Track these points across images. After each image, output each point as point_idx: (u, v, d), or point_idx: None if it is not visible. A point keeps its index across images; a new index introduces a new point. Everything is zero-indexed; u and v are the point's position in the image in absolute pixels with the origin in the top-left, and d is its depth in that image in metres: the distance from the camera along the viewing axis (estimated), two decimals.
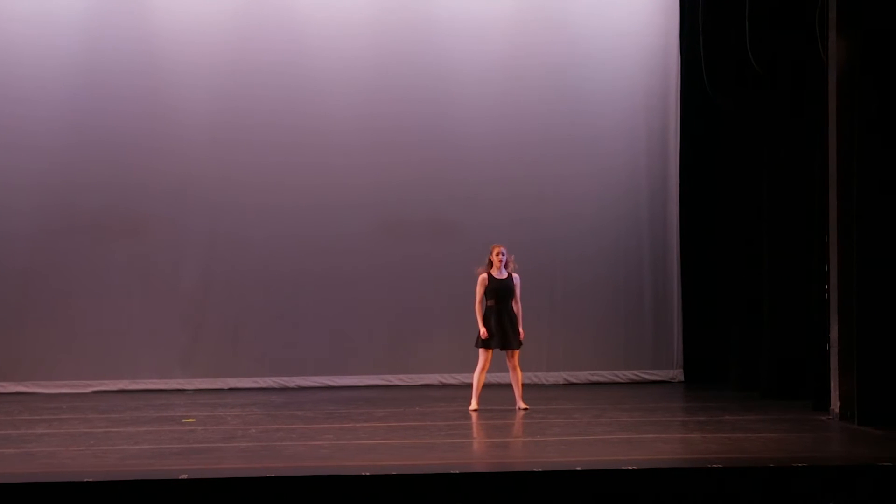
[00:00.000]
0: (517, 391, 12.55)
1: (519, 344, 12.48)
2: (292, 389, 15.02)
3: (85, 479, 8.19)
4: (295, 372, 15.29)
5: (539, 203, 15.66)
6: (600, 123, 15.79)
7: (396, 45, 15.60)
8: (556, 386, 15.33)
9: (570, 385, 15.40)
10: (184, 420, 11.96)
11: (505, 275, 12.51)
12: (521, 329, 12.49)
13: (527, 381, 15.20)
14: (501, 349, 12.45)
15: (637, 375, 15.65)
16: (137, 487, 8.14)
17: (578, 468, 8.50)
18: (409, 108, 15.60)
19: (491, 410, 12.45)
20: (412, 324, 15.49)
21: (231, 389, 14.96)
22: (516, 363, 12.53)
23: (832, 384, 11.43)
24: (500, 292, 12.43)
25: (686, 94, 15.72)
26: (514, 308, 12.48)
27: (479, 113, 15.65)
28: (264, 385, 15.09)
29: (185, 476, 8.33)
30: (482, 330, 12.35)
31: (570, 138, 15.71)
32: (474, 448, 9.95)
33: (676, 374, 15.71)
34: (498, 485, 8.30)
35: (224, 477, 8.53)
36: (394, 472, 8.42)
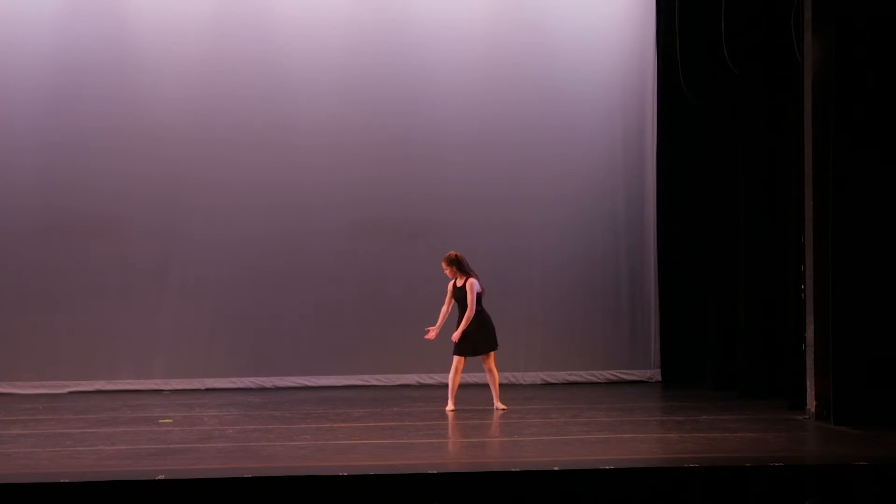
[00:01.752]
0: (494, 392, 12.56)
1: (485, 348, 12.45)
2: (270, 390, 15.00)
3: (62, 480, 8.17)
4: (272, 372, 15.26)
5: (515, 203, 15.67)
6: (577, 124, 15.81)
7: (373, 45, 15.59)
8: (533, 386, 15.34)
9: (547, 385, 15.42)
10: (161, 420, 11.94)
11: (460, 283, 12.49)
12: (458, 331, 12.45)
13: (504, 381, 15.21)
14: (473, 355, 12.45)
15: (614, 375, 15.68)
16: (114, 488, 8.13)
17: (556, 468, 8.52)
18: (386, 107, 15.59)
19: (469, 411, 12.47)
20: (390, 323, 15.47)
21: (208, 390, 14.93)
22: (492, 365, 12.53)
23: (808, 384, 11.49)
24: (458, 301, 12.47)
25: (663, 94, 15.75)
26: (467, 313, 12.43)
27: (456, 113, 15.65)
28: (241, 385, 15.06)
29: (162, 476, 8.32)
30: (455, 335, 12.37)
31: (547, 139, 15.72)
32: (452, 448, 9.96)
33: (654, 373, 15.74)
34: (475, 485, 8.31)
35: (201, 477, 8.52)
36: (372, 473, 8.42)
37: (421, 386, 15.24)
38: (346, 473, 8.36)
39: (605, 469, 8.52)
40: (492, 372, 12.55)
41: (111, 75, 15.23)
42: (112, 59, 15.24)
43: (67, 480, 8.17)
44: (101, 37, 15.23)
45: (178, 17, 15.35)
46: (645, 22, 15.86)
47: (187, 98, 15.35)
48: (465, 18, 15.71)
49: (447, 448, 9.93)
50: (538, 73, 15.76)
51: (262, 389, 15.03)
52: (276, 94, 15.44)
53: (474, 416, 12.10)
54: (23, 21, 15.11)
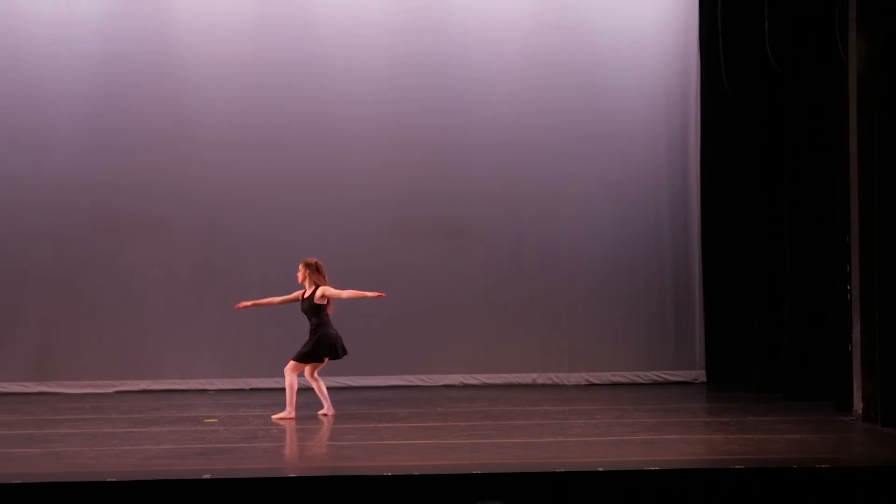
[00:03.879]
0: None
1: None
2: (313, 390, 15.02)
3: (108, 479, 8.23)
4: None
5: (558, 202, 15.65)
6: (619, 123, 15.76)
7: (414, 46, 15.61)
8: (577, 387, 15.30)
9: (591, 386, 15.38)
10: (206, 420, 12.00)
11: (307, 293, 12.37)
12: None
13: (547, 382, 15.32)
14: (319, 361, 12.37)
15: (659, 376, 15.62)
16: (160, 487, 8.18)
17: (600, 469, 8.50)
18: (426, 107, 15.60)
19: (512, 412, 12.45)
20: (433, 324, 15.49)
21: (253, 390, 14.99)
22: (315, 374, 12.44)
23: (855, 385, 11.40)
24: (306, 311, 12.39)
25: (706, 93, 15.69)
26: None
27: (497, 112, 15.64)
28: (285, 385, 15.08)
29: (207, 476, 8.36)
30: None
31: (590, 138, 15.69)
32: (495, 449, 9.95)
33: (698, 374, 15.67)
34: (520, 485, 8.30)
35: (246, 477, 8.56)
36: (416, 473, 8.43)
37: (464, 386, 15.23)
38: (390, 473, 8.37)
39: (650, 470, 8.49)
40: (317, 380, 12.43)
41: (155, 77, 15.33)
42: (156, 60, 15.34)
43: (114, 479, 8.23)
44: (145, 38, 15.33)
45: (221, 19, 15.44)
46: (688, 21, 15.80)
47: (230, 99, 15.43)
48: (507, 19, 15.70)
49: (491, 448, 9.92)
50: (580, 73, 15.73)
51: (306, 389, 15.06)
52: (318, 95, 15.49)
53: (518, 416, 12.08)
54: (67, 22, 15.23)
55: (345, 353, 12.28)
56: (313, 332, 12.21)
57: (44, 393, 14.86)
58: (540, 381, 15.46)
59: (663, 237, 15.81)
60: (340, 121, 15.51)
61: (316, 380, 12.34)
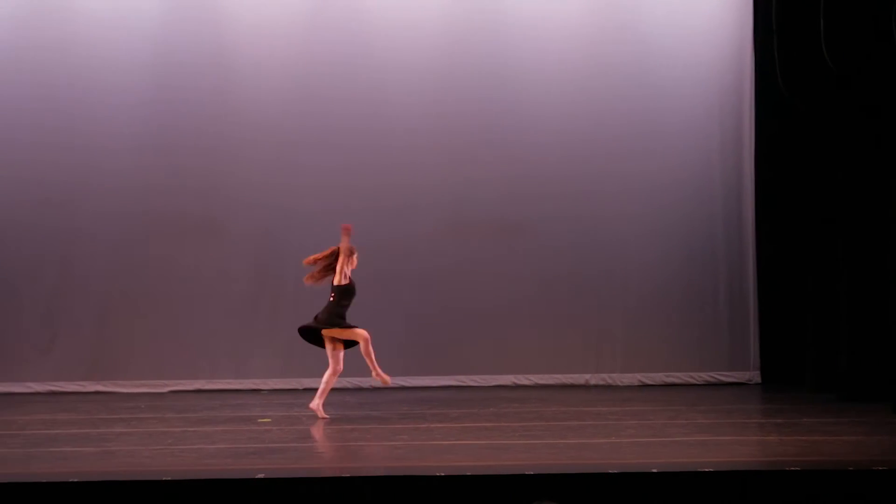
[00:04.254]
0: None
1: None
2: (366, 390, 15.08)
3: (163, 478, 8.29)
4: (369, 373, 15.31)
5: (611, 201, 15.58)
6: (673, 123, 15.67)
7: (468, 46, 15.59)
8: (630, 387, 15.24)
9: (644, 386, 15.31)
10: (259, 420, 12.06)
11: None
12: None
13: (601, 383, 15.26)
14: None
15: (713, 377, 15.52)
16: (215, 486, 8.23)
17: (654, 470, 8.46)
18: (481, 107, 15.57)
19: (566, 412, 12.43)
20: (485, 324, 15.46)
21: (306, 389, 15.02)
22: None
23: None
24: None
25: (760, 93, 15.57)
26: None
27: (550, 111, 15.59)
28: (338, 385, 15.06)
29: (261, 475, 8.40)
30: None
31: (643, 138, 15.61)
32: (548, 449, 9.93)
33: (753, 375, 15.55)
34: (573, 486, 8.28)
35: (300, 476, 8.59)
36: (469, 473, 8.43)
37: (517, 387, 15.21)
38: (443, 474, 8.38)
39: (704, 472, 8.45)
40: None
41: (209, 78, 15.40)
42: (209, 62, 15.40)
43: (169, 478, 8.29)
44: (199, 40, 15.41)
45: (275, 21, 15.47)
46: (742, 20, 15.68)
47: (283, 101, 15.47)
48: (560, 19, 15.64)
49: (544, 449, 9.91)
50: (633, 73, 15.65)
51: (359, 389, 15.11)
52: (372, 96, 15.51)
53: (571, 417, 12.06)
54: (122, 25, 15.31)
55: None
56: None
57: (99, 392, 14.99)
58: (593, 381, 15.41)
59: (717, 237, 15.70)
60: (394, 121, 15.52)
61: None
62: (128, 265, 15.31)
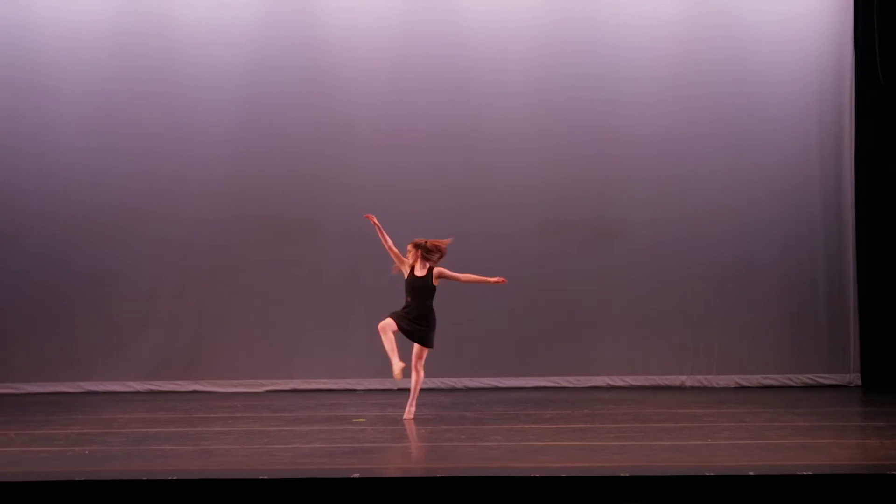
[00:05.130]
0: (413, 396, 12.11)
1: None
2: (460, 390, 15.11)
3: (260, 477, 8.36)
4: (463, 373, 15.38)
5: (706, 201, 15.46)
6: (770, 121, 15.51)
7: (560, 46, 15.56)
8: (727, 389, 15.10)
9: (741, 388, 15.16)
10: (354, 420, 12.12)
11: (421, 272, 12.05)
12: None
13: (696, 385, 15.12)
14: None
15: (811, 379, 15.32)
16: (311, 485, 8.28)
17: (751, 473, 8.36)
18: (573, 108, 15.53)
19: (661, 413, 12.34)
20: (580, 325, 15.43)
21: (400, 390, 15.07)
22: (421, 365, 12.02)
23: None
24: (416, 290, 11.98)
25: (861, 90, 15.34)
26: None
27: (644, 110, 15.51)
28: (433, 386, 15.17)
29: (356, 475, 8.44)
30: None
31: (739, 136, 15.47)
32: (643, 451, 9.86)
33: (853, 378, 15.32)
34: (669, 488, 8.21)
35: (394, 476, 8.62)
36: (563, 475, 8.40)
37: (611, 388, 15.14)
38: (537, 475, 8.36)
39: (803, 475, 8.33)
40: (419, 372, 12.07)
41: (303, 83, 15.54)
42: (304, 66, 15.54)
43: (265, 477, 8.36)
44: (294, 45, 15.55)
45: (368, 23, 15.55)
46: (842, 16, 15.45)
47: (378, 104, 15.55)
48: (656, 16, 15.55)
49: (639, 451, 9.84)
50: (729, 69, 15.52)
51: (453, 390, 15.14)
52: (464, 97, 15.53)
53: (666, 419, 11.97)
54: (216, 29, 15.50)
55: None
56: (427, 313, 11.96)
57: (197, 391, 15.20)
58: (688, 383, 15.29)
59: (816, 236, 15.49)
60: (485, 122, 15.54)
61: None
62: (225, 267, 15.50)
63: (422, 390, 14.18)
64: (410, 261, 12.15)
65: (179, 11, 15.56)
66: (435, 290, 12.02)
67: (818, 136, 15.53)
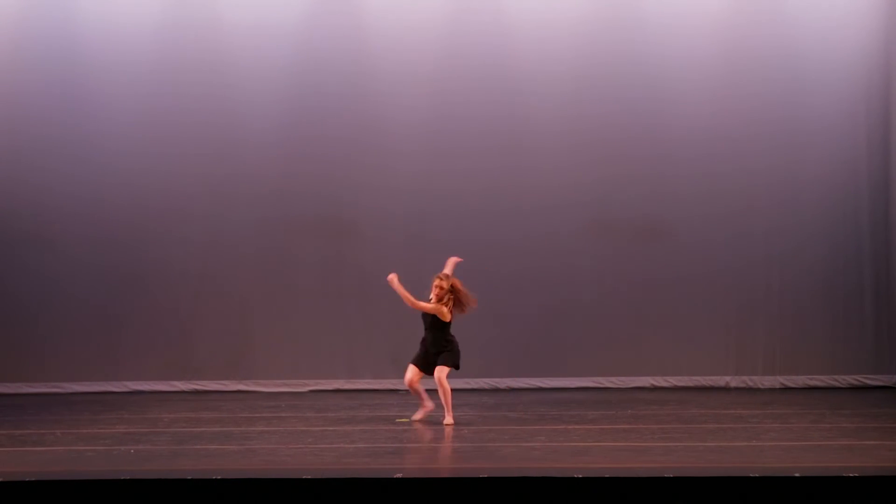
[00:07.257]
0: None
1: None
2: (503, 391, 15.09)
3: (304, 476, 8.39)
4: (507, 373, 15.36)
5: (752, 201, 15.37)
6: (818, 117, 15.38)
7: (607, 45, 15.49)
8: (772, 390, 15.01)
9: (786, 389, 15.06)
10: (397, 420, 12.14)
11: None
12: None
13: (741, 386, 15.07)
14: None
15: (857, 380, 15.19)
16: (354, 485, 8.30)
17: (797, 474, 8.31)
18: (619, 107, 15.46)
19: (706, 415, 12.28)
20: (624, 325, 15.37)
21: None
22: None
23: None
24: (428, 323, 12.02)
25: None
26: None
27: (690, 110, 15.43)
28: (476, 386, 15.17)
29: (399, 475, 8.45)
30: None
31: (785, 135, 15.37)
32: (688, 452, 9.82)
33: None
34: (714, 489, 8.17)
35: (438, 477, 8.63)
36: (607, 475, 8.38)
37: (655, 388, 15.08)
38: (580, 475, 8.34)
39: (849, 476, 8.26)
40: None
41: (347, 86, 15.51)
42: (347, 68, 15.51)
43: (309, 476, 8.39)
44: (338, 47, 15.55)
45: (412, 26, 15.53)
46: (890, 13, 15.32)
47: (424, 108, 15.53)
48: (703, 13, 15.45)
49: (683, 452, 9.80)
50: (776, 68, 15.41)
51: (496, 390, 15.13)
52: (509, 98, 15.50)
53: (710, 420, 11.91)
54: (265, 28, 15.54)
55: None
56: (440, 341, 11.95)
57: (241, 391, 15.25)
58: (733, 384, 15.21)
59: (863, 236, 15.36)
60: (530, 122, 15.50)
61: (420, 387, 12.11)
62: (270, 268, 15.54)
63: (464, 391, 14.23)
64: (435, 296, 11.99)
65: (225, 13, 15.61)
66: (448, 324, 11.94)
67: (866, 133, 15.39)
